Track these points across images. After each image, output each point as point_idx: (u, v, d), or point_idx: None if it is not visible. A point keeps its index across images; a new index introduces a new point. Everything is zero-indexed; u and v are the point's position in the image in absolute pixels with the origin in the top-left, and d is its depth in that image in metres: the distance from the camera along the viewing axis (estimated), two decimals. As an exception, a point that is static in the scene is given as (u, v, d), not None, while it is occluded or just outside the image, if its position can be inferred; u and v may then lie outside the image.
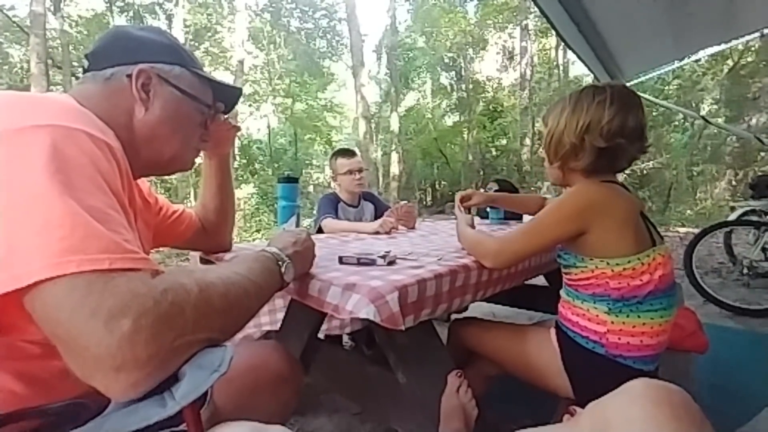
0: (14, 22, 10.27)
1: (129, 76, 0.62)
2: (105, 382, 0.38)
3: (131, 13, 12.88)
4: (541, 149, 1.18)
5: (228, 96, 0.80)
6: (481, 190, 2.09)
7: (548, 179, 1.04)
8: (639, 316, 0.81)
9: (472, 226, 1.09)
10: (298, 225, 0.90)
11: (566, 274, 0.92)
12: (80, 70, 0.66)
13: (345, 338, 1.79)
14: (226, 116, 0.87)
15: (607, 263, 0.82)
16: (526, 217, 1.77)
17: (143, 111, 0.63)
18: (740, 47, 8.57)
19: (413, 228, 1.68)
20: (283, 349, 0.80)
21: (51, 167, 0.40)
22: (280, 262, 0.65)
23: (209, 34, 14.12)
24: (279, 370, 0.74)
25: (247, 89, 12.25)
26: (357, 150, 2.32)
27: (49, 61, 9.10)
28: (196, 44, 13.96)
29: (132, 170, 0.60)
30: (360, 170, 2.03)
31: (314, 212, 2.17)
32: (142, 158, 0.65)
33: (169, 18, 13.37)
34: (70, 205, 0.39)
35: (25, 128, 0.42)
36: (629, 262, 0.80)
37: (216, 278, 0.49)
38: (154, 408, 0.39)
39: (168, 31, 0.71)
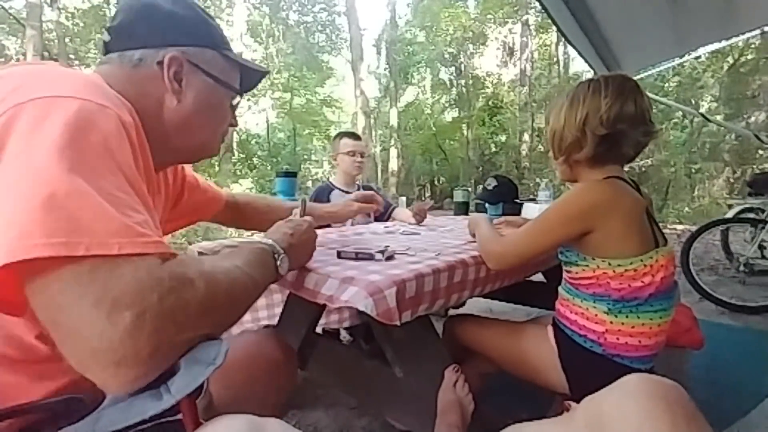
0: (10, 13, 10.16)
1: (160, 63, 0.59)
2: (103, 376, 0.37)
3: (128, 5, 12.74)
4: (540, 146, 1.15)
5: (253, 77, 0.76)
6: (480, 187, 2.09)
7: (549, 175, 1.04)
8: (638, 317, 0.81)
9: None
10: (303, 215, 0.88)
11: (567, 271, 0.92)
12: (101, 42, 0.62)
13: (343, 333, 1.79)
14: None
15: (609, 264, 0.81)
16: (524, 213, 1.77)
17: (175, 102, 0.61)
18: (740, 44, 8.56)
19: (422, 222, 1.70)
20: (277, 337, 0.81)
21: (63, 141, 0.39)
22: (276, 255, 0.64)
23: (207, 27, 13.98)
24: (274, 356, 0.74)
25: (245, 83, 12.12)
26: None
27: (46, 53, 9.02)
28: (194, 37, 13.82)
29: (158, 157, 0.59)
30: (363, 154, 2.03)
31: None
32: (171, 147, 0.63)
33: (167, 10, 13.23)
34: (78, 183, 0.38)
35: (46, 99, 0.42)
36: (631, 263, 0.79)
37: (221, 274, 0.48)
38: (149, 402, 0.39)
39: (196, 1, 0.66)
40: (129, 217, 0.40)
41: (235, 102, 0.72)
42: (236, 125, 0.74)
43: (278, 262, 0.64)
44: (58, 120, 0.40)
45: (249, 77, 0.75)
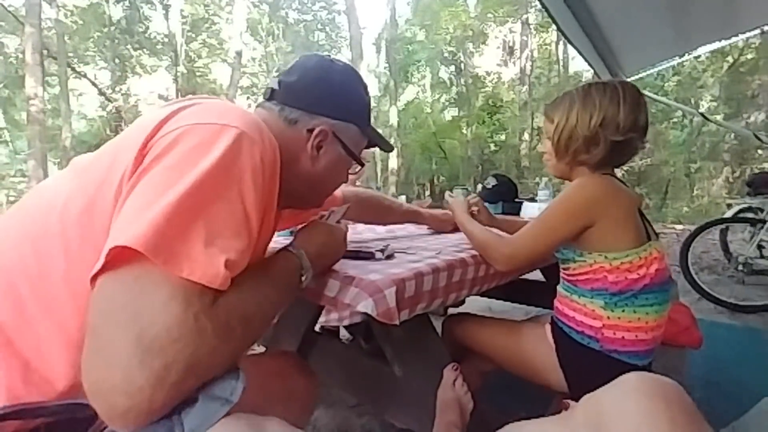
0: (9, 11, 10.13)
1: (310, 131, 0.65)
2: (110, 413, 0.36)
3: (127, 3, 12.72)
4: (539, 145, 1.14)
5: (373, 145, 0.80)
6: (479, 186, 2.09)
7: (548, 173, 1.04)
8: (635, 311, 0.82)
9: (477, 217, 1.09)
10: (339, 221, 0.86)
11: (565, 269, 0.92)
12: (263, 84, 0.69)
13: (342, 331, 1.79)
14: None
15: (606, 257, 0.82)
16: (524, 212, 1.77)
17: (309, 164, 0.67)
18: (740, 44, 8.57)
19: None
20: (299, 361, 0.80)
21: (210, 167, 0.44)
22: (302, 271, 0.62)
23: (207, 25, 13.99)
24: (295, 383, 0.73)
25: (244, 82, 12.15)
26: None
27: (45, 51, 9.00)
28: (194, 35, 13.84)
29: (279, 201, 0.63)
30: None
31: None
32: (290, 194, 0.66)
33: (166, 9, 13.22)
34: (197, 208, 0.42)
35: (217, 125, 0.48)
36: (627, 256, 0.81)
37: (258, 318, 0.48)
38: None
39: (363, 81, 0.74)
40: (224, 245, 0.43)
41: (353, 169, 0.77)
42: (347, 182, 0.80)
43: (303, 278, 0.62)
44: (218, 148, 0.46)
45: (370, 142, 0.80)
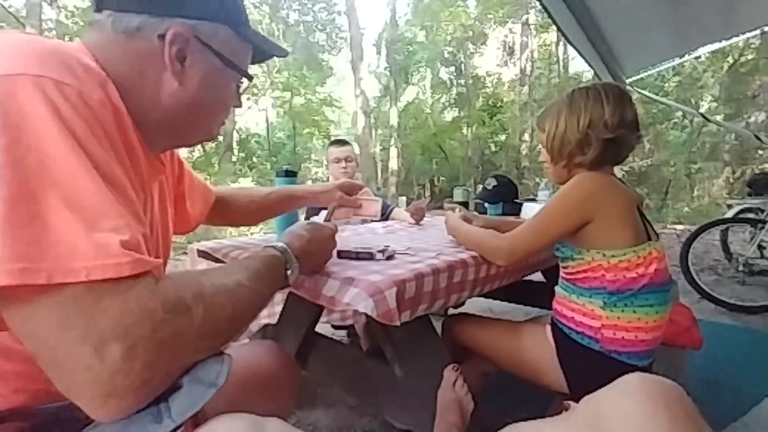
0: (10, 12, 10.14)
1: (161, 36, 0.48)
2: (91, 406, 0.35)
3: (128, 4, 12.73)
4: (539, 147, 1.16)
5: (265, 53, 0.65)
6: (480, 187, 2.09)
7: (548, 178, 1.04)
8: (634, 311, 0.82)
9: (468, 220, 1.09)
10: (328, 219, 0.85)
11: (563, 268, 0.93)
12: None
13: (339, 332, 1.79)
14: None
15: (603, 255, 0.83)
16: (524, 213, 1.77)
17: (175, 84, 0.51)
18: (740, 44, 8.57)
19: (421, 223, 1.68)
20: (279, 350, 0.80)
21: (13, 139, 0.33)
22: (287, 264, 0.60)
23: (207, 25, 13.96)
24: (274, 372, 0.72)
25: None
26: (355, 143, 2.28)
27: (45, 52, 9.00)
28: (194, 36, 13.80)
29: (153, 142, 0.54)
30: (347, 159, 2.03)
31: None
32: (168, 131, 0.55)
33: (167, 9, 13.22)
34: (41, 194, 0.33)
35: None
36: (625, 254, 0.81)
37: (224, 295, 0.44)
38: (148, 424, 0.37)
39: None
40: (103, 228, 0.35)
41: (242, 86, 0.62)
42: (240, 105, 0.65)
43: (288, 272, 0.60)
44: (4, 112, 0.34)
45: (261, 52, 0.64)
